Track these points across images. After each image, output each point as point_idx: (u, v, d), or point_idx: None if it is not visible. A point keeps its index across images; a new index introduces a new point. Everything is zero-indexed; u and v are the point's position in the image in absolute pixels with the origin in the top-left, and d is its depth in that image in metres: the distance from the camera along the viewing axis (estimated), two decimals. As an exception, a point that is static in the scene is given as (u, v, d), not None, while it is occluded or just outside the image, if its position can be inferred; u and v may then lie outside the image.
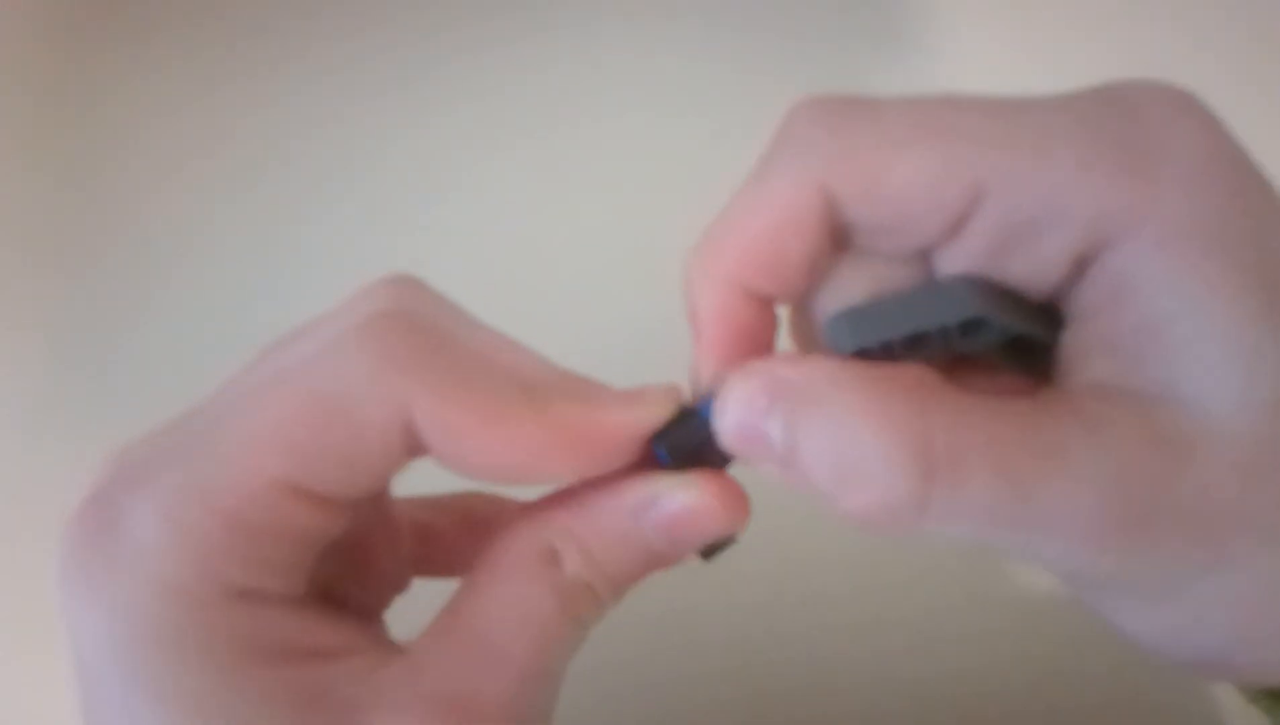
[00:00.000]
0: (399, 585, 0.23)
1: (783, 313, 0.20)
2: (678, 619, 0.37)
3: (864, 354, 0.18)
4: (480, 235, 0.43)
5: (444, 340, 0.18)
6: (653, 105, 0.46)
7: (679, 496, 0.18)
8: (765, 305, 0.19)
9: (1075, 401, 0.17)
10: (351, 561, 0.20)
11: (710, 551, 0.22)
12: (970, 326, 0.17)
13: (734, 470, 0.20)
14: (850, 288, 0.18)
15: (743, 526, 0.19)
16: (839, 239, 0.18)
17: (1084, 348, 0.17)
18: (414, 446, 0.18)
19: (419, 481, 0.21)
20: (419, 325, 0.18)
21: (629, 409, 0.18)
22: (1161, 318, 0.16)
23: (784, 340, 0.20)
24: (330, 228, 0.42)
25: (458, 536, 0.23)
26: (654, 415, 0.19)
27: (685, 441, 0.19)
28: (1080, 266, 0.17)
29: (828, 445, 0.16)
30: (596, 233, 0.42)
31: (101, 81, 0.45)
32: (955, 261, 0.17)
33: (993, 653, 0.37)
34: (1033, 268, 0.17)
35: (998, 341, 0.18)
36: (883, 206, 0.17)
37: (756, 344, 0.18)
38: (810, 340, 0.19)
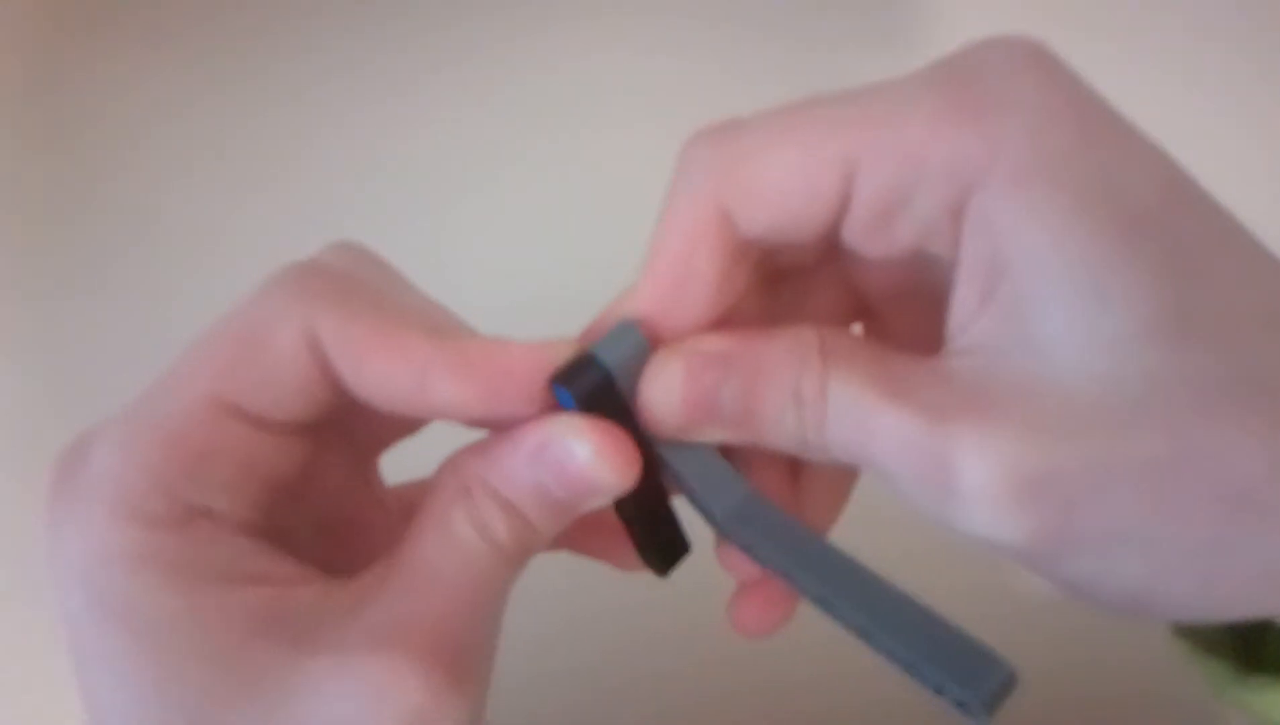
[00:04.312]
0: None
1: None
2: (679, 615, 0.37)
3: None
4: (479, 237, 0.43)
5: (356, 283, 0.20)
6: (647, 107, 0.46)
7: (572, 447, 0.19)
8: (739, 258, 0.20)
9: (947, 366, 0.17)
10: (343, 540, 0.22)
11: (665, 564, 0.23)
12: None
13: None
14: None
15: (629, 486, 0.20)
16: (743, 252, 0.19)
17: (965, 306, 0.18)
18: (324, 367, 0.19)
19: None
20: (332, 271, 0.20)
21: (527, 347, 0.19)
22: (1010, 263, 0.16)
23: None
24: (338, 227, 0.42)
25: None
26: (550, 354, 0.19)
27: (584, 384, 0.19)
28: (955, 222, 0.17)
29: (774, 396, 0.18)
30: (588, 233, 0.42)
31: (105, 81, 0.45)
32: (854, 240, 0.19)
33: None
34: (919, 230, 0.18)
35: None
36: (767, 206, 0.18)
37: (710, 305, 0.20)
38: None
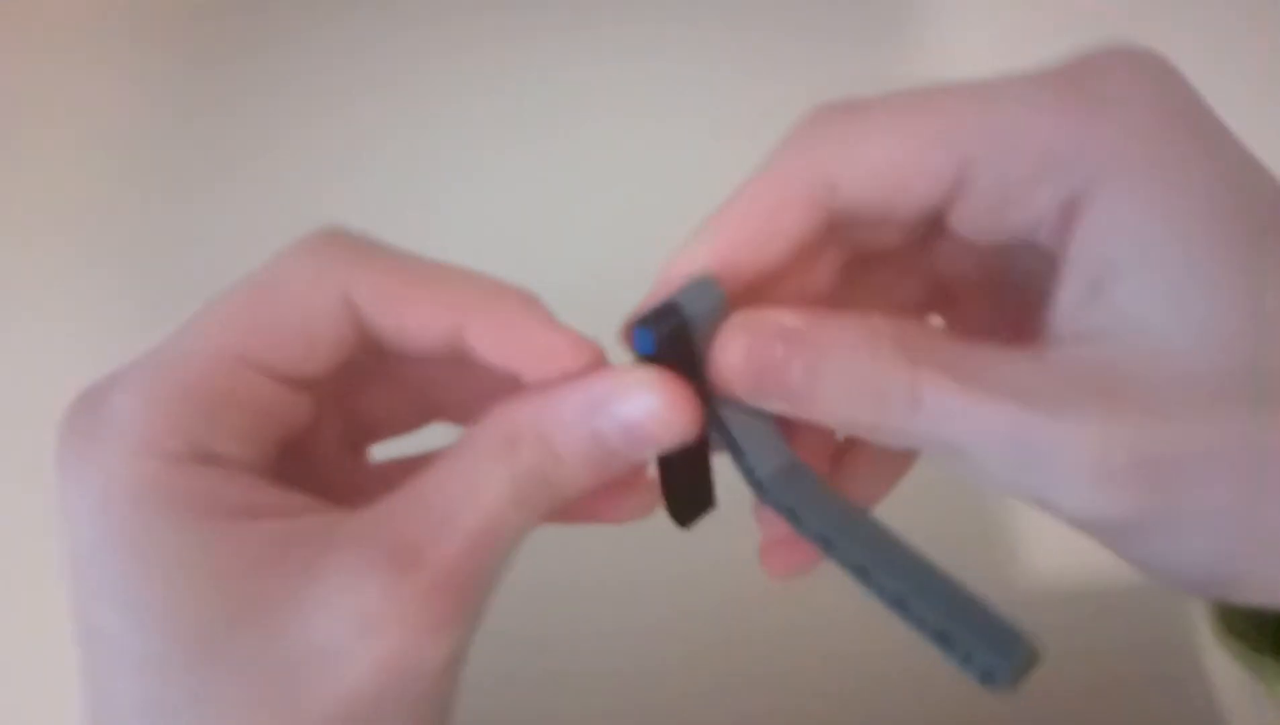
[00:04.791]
0: None
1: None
2: (682, 612, 0.37)
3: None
4: (486, 233, 0.43)
5: (380, 245, 0.21)
6: (654, 105, 0.46)
7: (640, 398, 0.19)
8: (814, 222, 0.20)
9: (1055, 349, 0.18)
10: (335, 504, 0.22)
11: (690, 517, 0.23)
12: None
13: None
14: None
15: (688, 441, 0.20)
16: (832, 228, 0.20)
17: (1073, 297, 0.19)
18: (355, 323, 0.20)
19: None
20: (356, 235, 0.21)
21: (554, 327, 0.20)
22: (1128, 259, 0.17)
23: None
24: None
25: None
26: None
27: (664, 329, 0.19)
28: (1066, 216, 0.18)
29: (843, 381, 0.19)
30: (598, 232, 0.42)
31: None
32: (964, 226, 0.19)
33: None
34: (1030, 221, 0.19)
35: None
36: (876, 176, 0.19)
37: (785, 255, 0.20)
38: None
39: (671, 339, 0.19)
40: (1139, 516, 0.18)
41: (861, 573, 0.20)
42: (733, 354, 0.19)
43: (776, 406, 0.20)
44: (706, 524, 0.24)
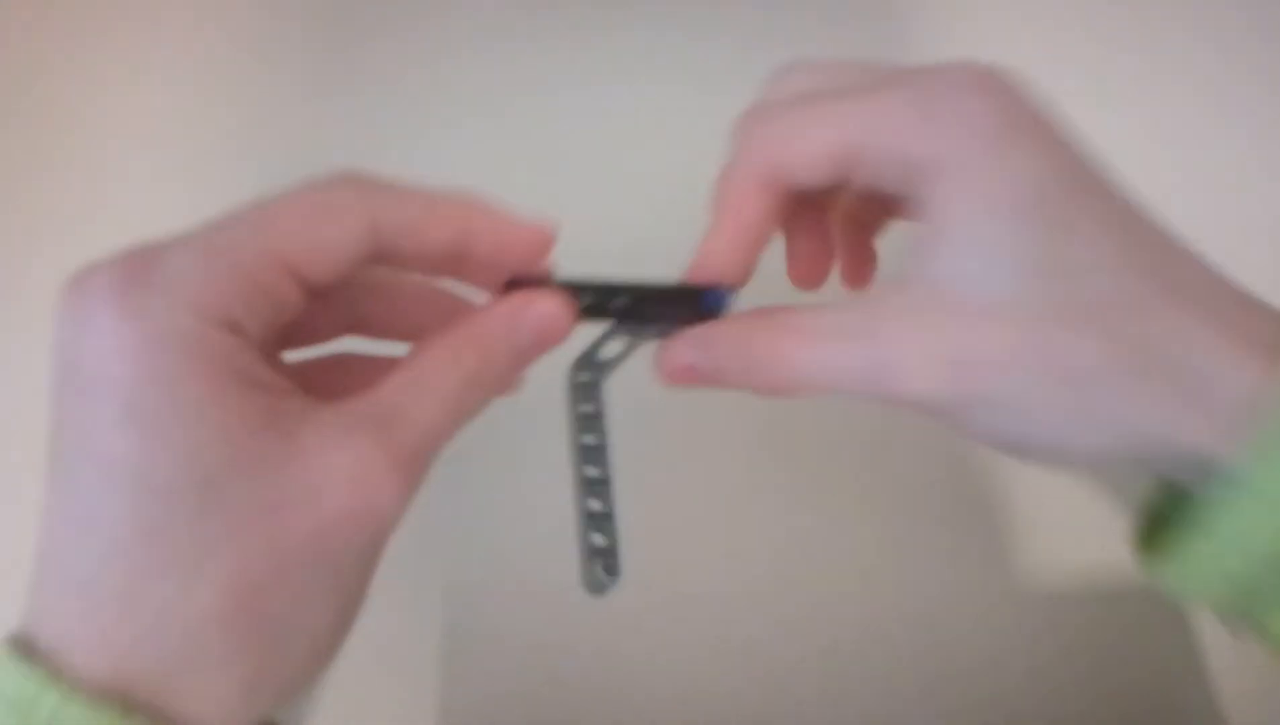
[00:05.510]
0: None
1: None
2: (687, 609, 0.37)
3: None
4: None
5: (396, 181, 0.27)
6: (656, 81, 0.47)
7: (540, 307, 0.28)
8: (785, 201, 0.29)
9: (907, 287, 0.27)
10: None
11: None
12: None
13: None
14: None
15: (566, 337, 0.28)
16: (782, 192, 0.29)
17: (925, 248, 0.27)
18: (374, 243, 0.26)
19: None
20: (373, 175, 0.27)
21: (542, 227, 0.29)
22: (950, 229, 0.26)
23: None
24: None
25: None
26: (546, 233, 0.29)
27: (695, 310, 0.29)
28: (918, 197, 0.27)
29: (739, 364, 0.28)
30: (600, 201, 0.42)
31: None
32: (857, 188, 0.29)
33: (996, 647, 0.37)
34: (896, 186, 0.27)
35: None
36: (804, 168, 0.28)
37: (756, 236, 0.29)
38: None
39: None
40: (961, 400, 0.26)
41: (581, 452, 0.29)
42: (669, 361, 0.29)
43: (711, 385, 0.28)
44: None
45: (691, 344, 0.28)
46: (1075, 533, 0.38)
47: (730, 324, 0.28)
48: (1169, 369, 0.25)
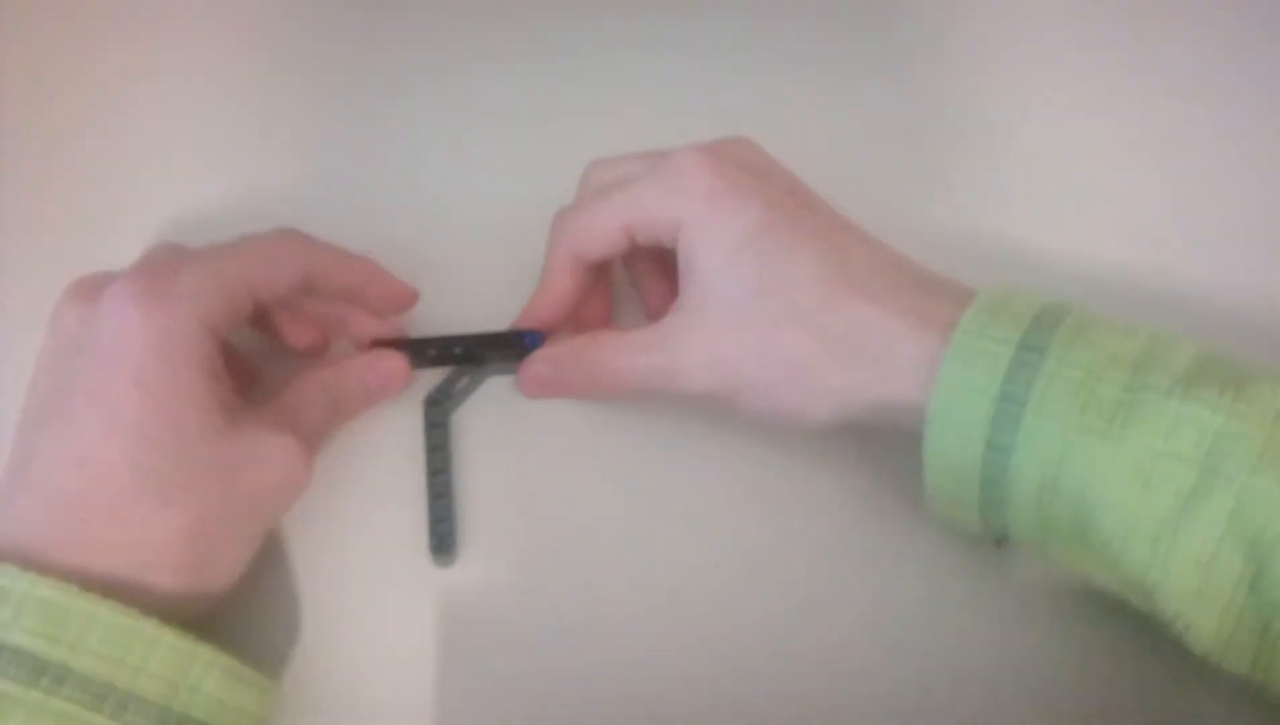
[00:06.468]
0: None
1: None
2: (684, 609, 0.37)
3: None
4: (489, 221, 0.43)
5: (321, 242, 0.38)
6: (652, 98, 0.47)
7: (385, 363, 0.39)
8: (587, 272, 0.40)
9: (678, 311, 0.37)
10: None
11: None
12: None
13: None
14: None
15: (403, 387, 0.40)
16: (585, 267, 0.40)
17: (686, 283, 0.37)
18: (304, 282, 0.36)
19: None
20: (306, 234, 0.37)
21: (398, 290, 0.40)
22: (696, 267, 0.36)
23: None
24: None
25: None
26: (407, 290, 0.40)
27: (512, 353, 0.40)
28: (676, 246, 0.37)
29: (577, 375, 0.39)
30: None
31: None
32: (645, 241, 0.38)
33: (993, 647, 0.37)
34: (668, 243, 0.37)
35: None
36: (598, 249, 0.39)
37: (565, 300, 0.40)
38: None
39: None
40: (725, 389, 0.36)
41: (431, 457, 0.39)
42: (527, 375, 0.40)
43: (561, 395, 0.41)
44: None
45: (542, 360, 0.39)
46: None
47: (569, 344, 0.39)
48: (862, 350, 0.34)
